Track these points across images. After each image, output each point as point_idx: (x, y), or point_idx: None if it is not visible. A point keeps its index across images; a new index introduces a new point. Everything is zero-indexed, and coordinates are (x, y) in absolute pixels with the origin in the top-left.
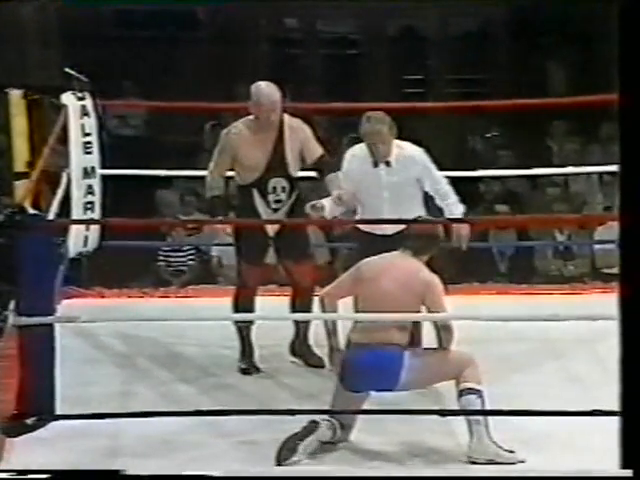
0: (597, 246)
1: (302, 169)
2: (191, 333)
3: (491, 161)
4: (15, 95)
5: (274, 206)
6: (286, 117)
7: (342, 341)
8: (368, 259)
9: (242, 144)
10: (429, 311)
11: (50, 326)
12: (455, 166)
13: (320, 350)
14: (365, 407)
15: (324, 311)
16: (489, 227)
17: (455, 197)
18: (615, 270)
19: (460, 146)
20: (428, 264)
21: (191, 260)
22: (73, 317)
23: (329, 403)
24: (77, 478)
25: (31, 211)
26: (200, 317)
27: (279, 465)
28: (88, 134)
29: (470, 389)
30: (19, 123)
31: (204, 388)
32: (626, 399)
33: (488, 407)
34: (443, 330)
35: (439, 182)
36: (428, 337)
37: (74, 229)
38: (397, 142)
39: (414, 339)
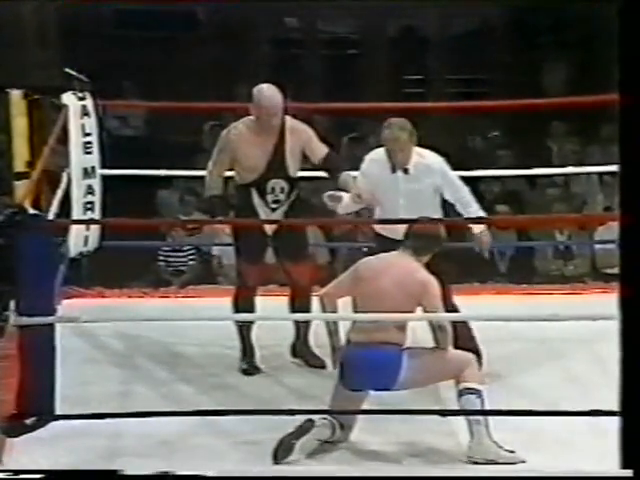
0: (597, 246)
1: (309, 169)
2: (191, 333)
3: (491, 161)
4: (15, 95)
5: (272, 206)
6: (288, 119)
7: (344, 341)
8: (366, 259)
9: (242, 144)
10: (425, 311)
11: (50, 326)
12: (455, 166)
13: (321, 350)
14: (365, 407)
15: (324, 311)
16: (489, 227)
17: (477, 205)
18: (615, 270)
19: (460, 146)
20: (429, 264)
21: (191, 260)
22: (73, 317)
23: (329, 403)
24: (73, 478)
25: (31, 211)
26: (200, 317)
27: (277, 464)
28: (88, 134)
29: (470, 389)
30: (19, 123)
31: (204, 388)
32: (626, 399)
33: (488, 407)
34: (439, 331)
35: (460, 191)
36: (425, 337)
37: (74, 229)
38: (418, 150)
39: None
